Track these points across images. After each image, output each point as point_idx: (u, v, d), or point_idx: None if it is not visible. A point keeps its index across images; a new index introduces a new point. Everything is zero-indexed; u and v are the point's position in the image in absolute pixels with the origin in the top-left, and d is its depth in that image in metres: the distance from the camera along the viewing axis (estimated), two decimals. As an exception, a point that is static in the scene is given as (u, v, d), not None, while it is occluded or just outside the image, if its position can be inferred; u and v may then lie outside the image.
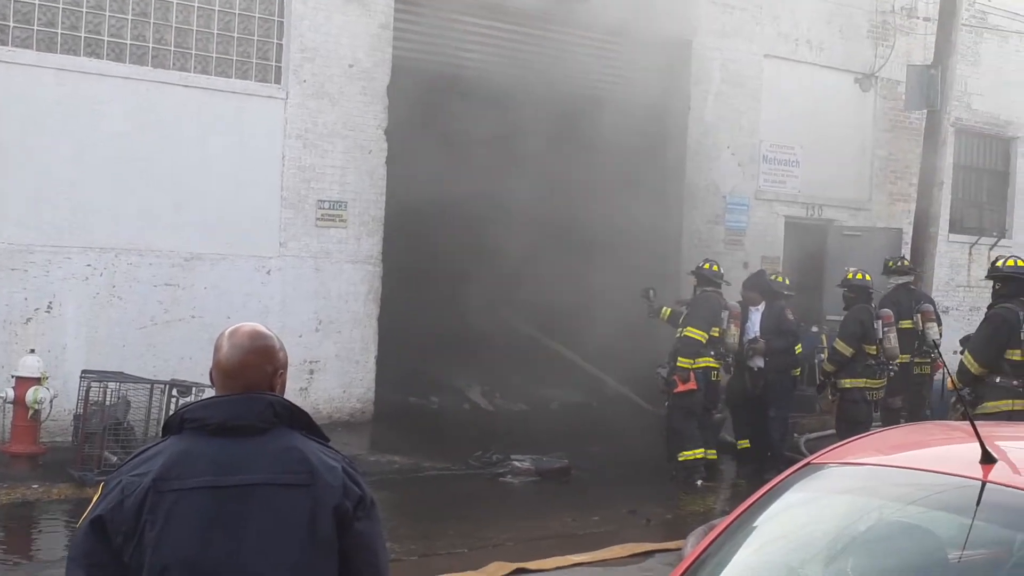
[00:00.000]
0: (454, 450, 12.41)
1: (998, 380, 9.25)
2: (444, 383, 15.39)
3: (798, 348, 13.08)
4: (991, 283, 10.05)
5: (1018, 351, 9.17)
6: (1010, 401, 9.15)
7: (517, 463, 12.06)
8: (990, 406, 9.11)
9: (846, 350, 12.05)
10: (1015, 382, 9.20)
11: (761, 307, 12.87)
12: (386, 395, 13.81)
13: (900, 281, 13.59)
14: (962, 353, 9.68)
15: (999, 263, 9.92)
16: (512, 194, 14.48)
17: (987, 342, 9.34)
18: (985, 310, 10.00)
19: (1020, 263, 9.77)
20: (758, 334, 12.75)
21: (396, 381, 14.10)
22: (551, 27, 14.70)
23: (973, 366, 9.29)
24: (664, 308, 13.04)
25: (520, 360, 15.39)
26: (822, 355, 13.17)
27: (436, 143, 13.43)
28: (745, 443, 12.97)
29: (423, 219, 14.07)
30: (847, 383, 12.14)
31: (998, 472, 3.40)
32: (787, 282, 13.37)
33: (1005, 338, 9.23)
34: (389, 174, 13.54)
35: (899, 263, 14.07)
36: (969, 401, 9.00)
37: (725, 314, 12.34)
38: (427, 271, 15.04)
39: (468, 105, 13.64)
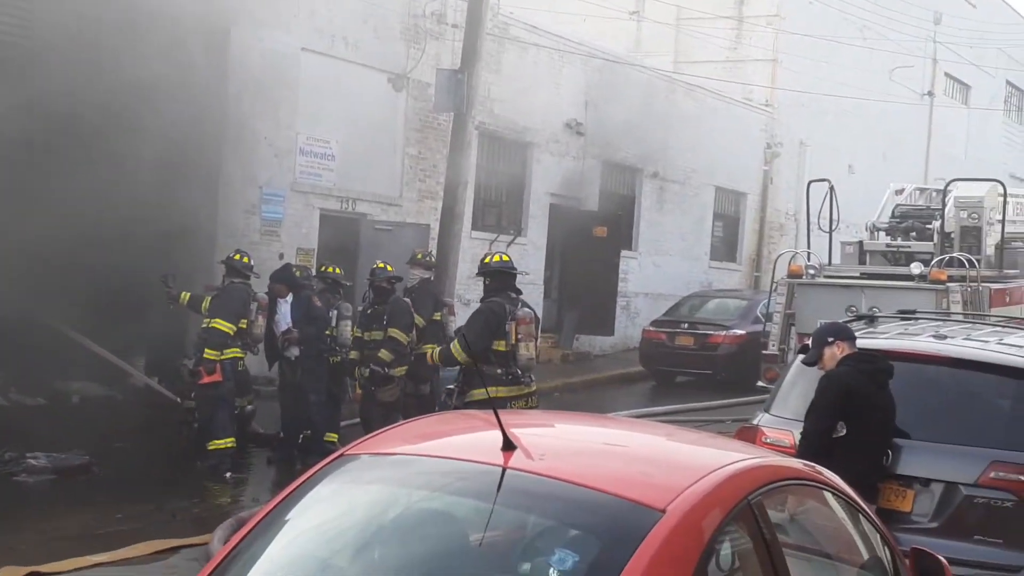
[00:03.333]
0: (-40, 449, 11.46)
1: (485, 369, 9.92)
2: (-51, 377, 14.15)
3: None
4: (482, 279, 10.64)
5: (503, 342, 9.88)
6: (494, 388, 9.81)
7: (32, 461, 11.33)
8: (477, 394, 9.74)
9: (402, 338, 12.55)
10: (499, 371, 9.91)
11: (289, 298, 13.01)
12: None
13: (424, 275, 14.15)
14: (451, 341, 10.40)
15: (487, 259, 10.49)
16: (37, 178, 13.53)
17: (479, 335, 9.95)
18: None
19: (506, 259, 10.51)
20: (290, 325, 12.87)
21: None
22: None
23: (460, 355, 9.89)
24: (184, 293, 13.02)
25: (39, 351, 14.43)
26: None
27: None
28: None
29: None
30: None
31: (516, 459, 3.66)
32: (340, 272, 13.55)
33: (494, 330, 9.92)
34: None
35: (427, 257, 14.69)
36: (459, 391, 9.72)
37: (254, 305, 12.43)
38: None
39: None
